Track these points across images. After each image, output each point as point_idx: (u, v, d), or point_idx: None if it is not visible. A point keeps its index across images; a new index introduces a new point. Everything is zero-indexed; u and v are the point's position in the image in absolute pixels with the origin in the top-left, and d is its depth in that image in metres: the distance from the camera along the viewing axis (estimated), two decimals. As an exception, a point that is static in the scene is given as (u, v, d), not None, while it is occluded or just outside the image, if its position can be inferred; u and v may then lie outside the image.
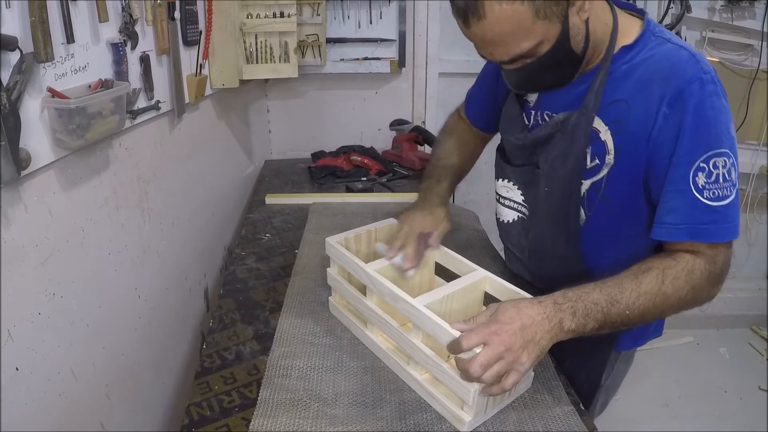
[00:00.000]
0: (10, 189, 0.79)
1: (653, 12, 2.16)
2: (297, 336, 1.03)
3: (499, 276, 0.94)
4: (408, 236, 1.01)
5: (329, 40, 2.07)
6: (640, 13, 0.92)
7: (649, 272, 0.82)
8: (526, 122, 1.03)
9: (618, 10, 0.91)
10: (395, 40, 2.12)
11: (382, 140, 2.25)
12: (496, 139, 1.21)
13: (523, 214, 1.07)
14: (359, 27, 2.09)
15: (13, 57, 0.76)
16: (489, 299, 0.94)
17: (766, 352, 2.55)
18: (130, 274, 1.17)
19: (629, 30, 0.89)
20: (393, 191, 1.83)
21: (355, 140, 2.26)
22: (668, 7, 2.16)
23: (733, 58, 2.26)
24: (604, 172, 0.90)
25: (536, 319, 0.77)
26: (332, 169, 1.95)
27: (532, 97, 1.01)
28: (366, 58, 2.12)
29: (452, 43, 2.27)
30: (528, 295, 0.87)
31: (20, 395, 0.83)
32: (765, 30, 2.14)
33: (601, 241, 0.96)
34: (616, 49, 0.88)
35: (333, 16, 2.06)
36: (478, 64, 1.22)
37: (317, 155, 2.08)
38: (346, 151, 2.07)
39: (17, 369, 0.82)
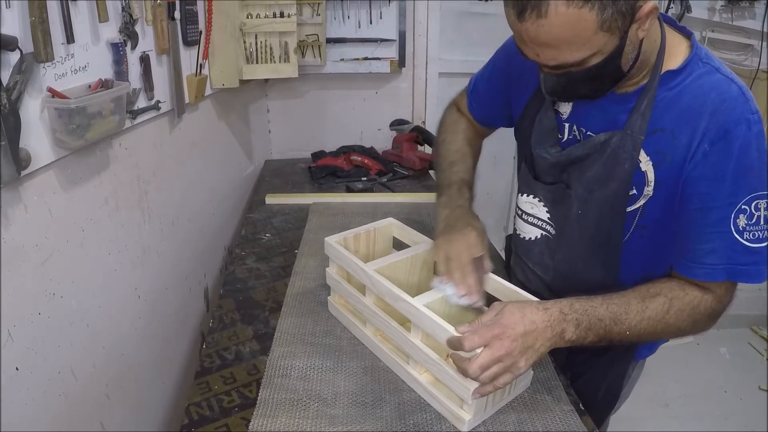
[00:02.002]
0: (10, 189, 0.79)
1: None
2: (297, 336, 1.03)
3: (499, 276, 0.94)
4: (462, 266, 0.89)
5: (329, 40, 2.07)
6: (686, 33, 0.87)
7: (657, 298, 0.84)
8: (559, 135, 0.97)
9: (666, 27, 0.85)
10: (395, 40, 2.12)
11: (382, 140, 2.25)
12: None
13: (548, 232, 1.02)
14: (359, 27, 2.09)
15: (13, 57, 0.76)
16: (489, 299, 0.94)
17: (766, 352, 2.55)
18: (130, 274, 1.17)
19: (675, 51, 0.84)
20: (393, 191, 1.84)
21: (355, 140, 2.26)
22: (668, 7, 2.16)
23: (733, 58, 2.26)
24: (641, 203, 0.87)
25: (539, 326, 0.77)
26: (332, 169, 1.95)
27: (565, 109, 0.96)
28: (366, 58, 2.12)
29: (452, 43, 2.27)
30: (530, 296, 0.87)
31: (20, 395, 0.83)
32: (765, 30, 2.14)
33: (634, 265, 0.94)
34: (662, 71, 0.84)
35: (333, 16, 2.06)
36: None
37: (317, 155, 2.08)
38: (346, 151, 2.07)
39: (17, 369, 0.82)
